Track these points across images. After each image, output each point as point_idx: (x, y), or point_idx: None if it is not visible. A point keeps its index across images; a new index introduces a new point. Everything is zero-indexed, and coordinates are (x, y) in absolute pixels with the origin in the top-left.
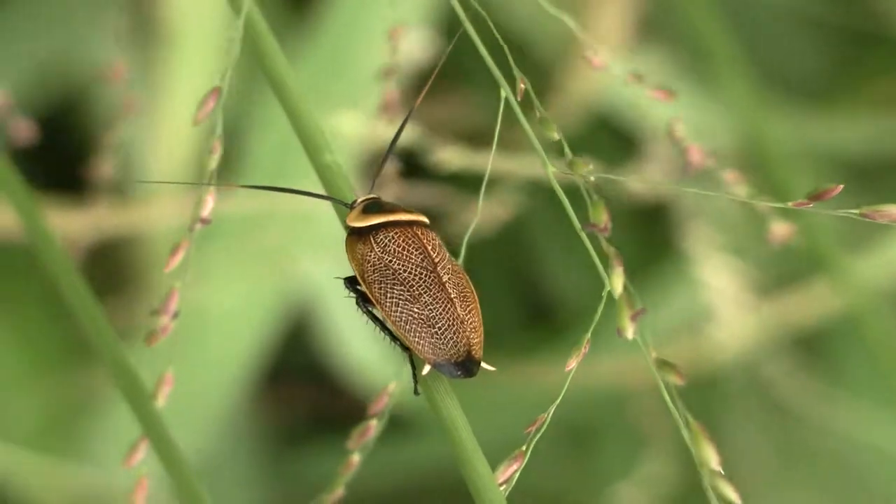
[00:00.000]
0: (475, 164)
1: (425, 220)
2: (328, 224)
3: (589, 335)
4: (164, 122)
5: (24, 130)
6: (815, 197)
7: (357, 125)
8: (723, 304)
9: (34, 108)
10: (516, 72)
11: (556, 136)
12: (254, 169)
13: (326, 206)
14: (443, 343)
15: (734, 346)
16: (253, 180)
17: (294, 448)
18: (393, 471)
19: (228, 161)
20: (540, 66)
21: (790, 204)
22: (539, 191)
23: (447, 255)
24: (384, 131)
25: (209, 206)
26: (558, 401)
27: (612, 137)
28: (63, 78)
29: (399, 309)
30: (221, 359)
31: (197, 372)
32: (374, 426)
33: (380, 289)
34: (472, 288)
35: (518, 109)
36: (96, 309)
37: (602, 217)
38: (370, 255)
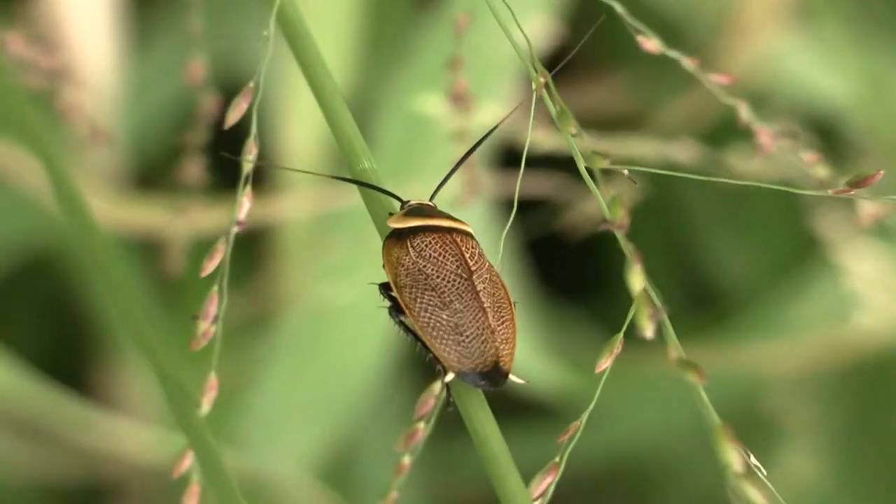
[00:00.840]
0: (610, 151)
1: (468, 228)
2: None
3: (621, 335)
4: (296, 115)
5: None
6: (857, 184)
7: (488, 118)
8: (869, 290)
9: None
10: (538, 65)
11: (573, 130)
12: (380, 157)
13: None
14: (469, 352)
15: (885, 333)
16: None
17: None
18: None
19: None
20: (694, 45)
21: (830, 192)
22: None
23: (487, 264)
24: (519, 124)
25: (245, 208)
26: (594, 401)
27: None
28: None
29: (427, 314)
30: (349, 352)
31: (328, 366)
32: (422, 429)
33: (410, 294)
34: (510, 300)
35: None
36: (143, 314)
37: (619, 214)
38: (405, 259)
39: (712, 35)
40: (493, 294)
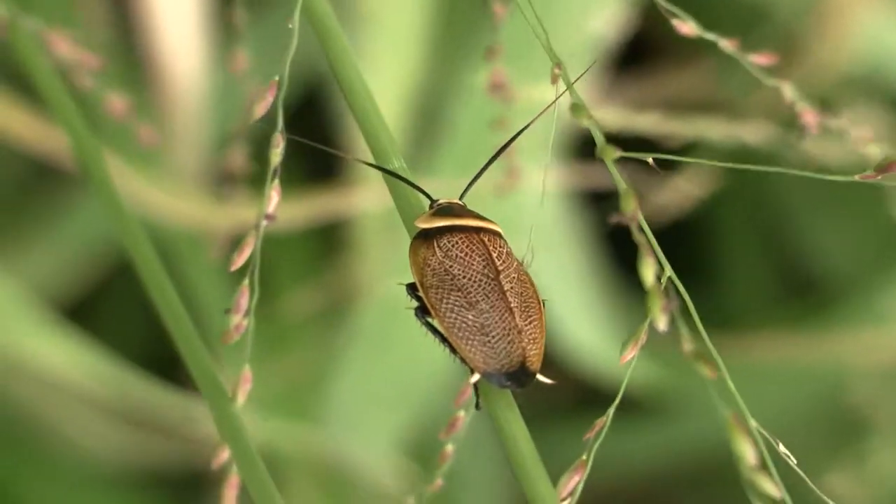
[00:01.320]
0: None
1: (496, 227)
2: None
3: (647, 325)
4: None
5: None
6: (883, 169)
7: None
8: None
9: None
10: (551, 55)
11: (584, 121)
12: (452, 148)
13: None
14: (495, 352)
15: None
16: (449, 164)
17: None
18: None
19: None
20: (782, 29)
21: (856, 177)
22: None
23: (515, 264)
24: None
25: (273, 202)
26: (621, 392)
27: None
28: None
29: (453, 315)
30: (424, 342)
31: (404, 356)
32: (462, 418)
33: (436, 294)
34: (539, 299)
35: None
36: (180, 308)
37: (630, 206)
38: (432, 259)
39: (802, 16)
40: (521, 294)
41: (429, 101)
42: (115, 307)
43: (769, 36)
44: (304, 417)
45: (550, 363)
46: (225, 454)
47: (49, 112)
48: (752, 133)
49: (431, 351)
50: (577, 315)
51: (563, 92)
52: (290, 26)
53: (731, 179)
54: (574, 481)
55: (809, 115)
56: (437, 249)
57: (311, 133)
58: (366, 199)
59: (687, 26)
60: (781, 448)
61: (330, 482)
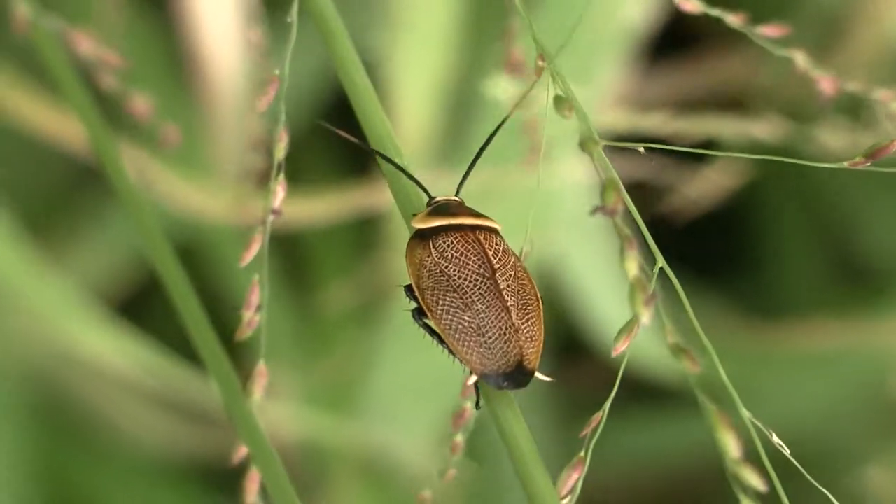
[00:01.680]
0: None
1: (493, 224)
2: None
3: (641, 319)
4: (402, 102)
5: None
6: (871, 155)
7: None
8: None
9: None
10: (537, 46)
11: (567, 114)
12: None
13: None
14: (491, 353)
15: None
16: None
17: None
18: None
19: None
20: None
21: (846, 164)
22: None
23: (513, 261)
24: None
25: (279, 196)
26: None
27: None
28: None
29: (449, 317)
30: None
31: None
32: (469, 409)
33: (432, 296)
34: (538, 296)
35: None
36: (195, 304)
37: (612, 199)
38: (427, 261)
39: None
40: (518, 291)
41: (459, 101)
42: (164, 302)
43: (811, 20)
44: (346, 411)
45: (588, 354)
46: (243, 450)
47: (71, 111)
48: (787, 122)
49: None
50: (613, 307)
51: (527, 89)
52: (290, 20)
53: (780, 167)
54: (573, 479)
55: (826, 83)
56: (432, 250)
57: (349, 128)
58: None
59: (690, 3)
60: (775, 438)
61: (371, 474)
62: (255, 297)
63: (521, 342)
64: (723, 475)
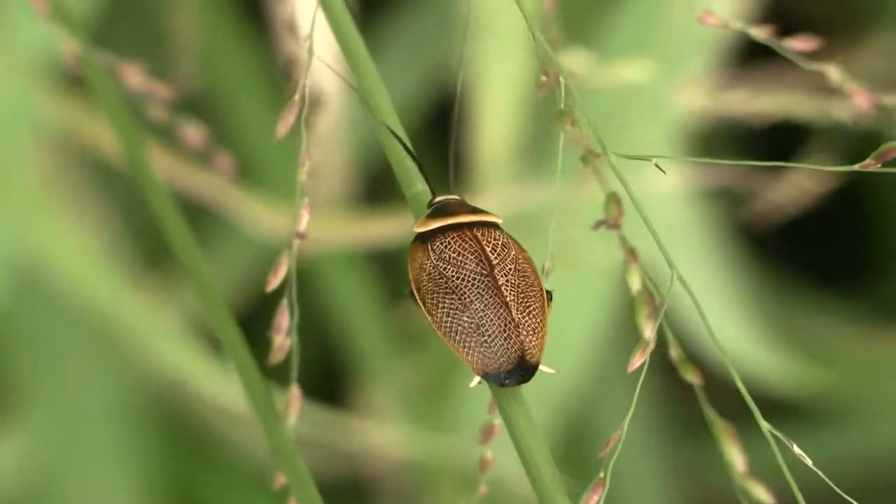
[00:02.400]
0: None
1: (490, 218)
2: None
3: (650, 334)
4: (487, 119)
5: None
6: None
7: (694, 96)
8: None
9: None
10: (537, 33)
11: (567, 129)
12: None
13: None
14: (491, 352)
15: None
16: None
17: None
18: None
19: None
20: None
21: (857, 166)
22: None
23: (512, 254)
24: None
25: (304, 220)
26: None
27: None
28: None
29: (449, 319)
30: (563, 337)
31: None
32: (498, 425)
33: (432, 299)
34: (542, 287)
35: None
36: (235, 331)
37: (613, 212)
38: (427, 264)
39: None
40: (518, 285)
41: (545, 111)
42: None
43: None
44: (443, 426)
45: (701, 368)
46: (282, 478)
47: (119, 142)
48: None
49: (566, 354)
50: (722, 317)
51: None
52: (306, 43)
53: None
54: (593, 501)
55: (860, 96)
56: (431, 253)
57: (442, 145)
58: (487, 206)
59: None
60: (796, 449)
61: (473, 489)
62: (285, 320)
63: (521, 336)
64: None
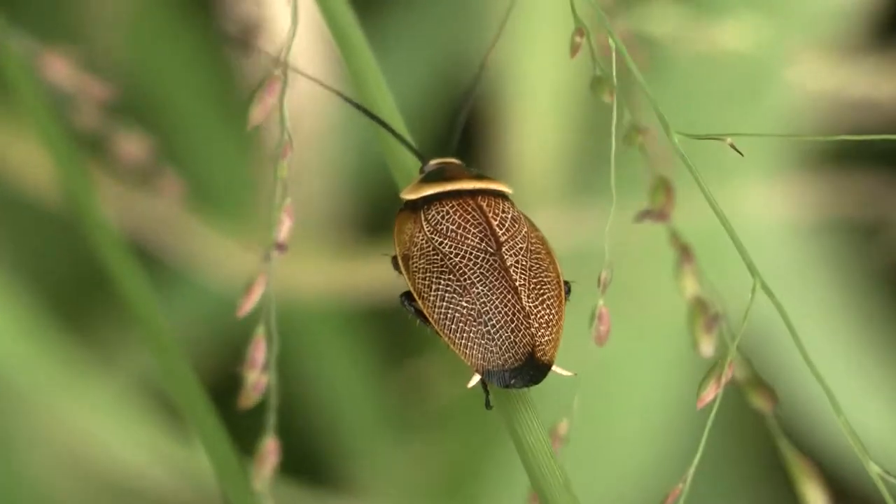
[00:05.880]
0: None
1: (498, 187)
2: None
3: (729, 359)
4: (527, 125)
5: None
6: None
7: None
8: None
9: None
10: (575, 18)
11: (605, 98)
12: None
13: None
14: (495, 344)
15: None
16: None
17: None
18: None
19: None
20: None
21: None
22: None
23: (524, 231)
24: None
25: (286, 227)
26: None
27: None
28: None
29: (444, 303)
30: (628, 408)
31: (607, 424)
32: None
33: (424, 279)
34: (559, 272)
35: None
36: (199, 393)
37: (660, 201)
38: (418, 237)
39: None
40: (531, 268)
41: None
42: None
43: None
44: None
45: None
46: None
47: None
48: None
49: (636, 404)
50: (833, 368)
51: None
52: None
53: None
54: None
55: None
56: (424, 224)
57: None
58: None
59: None
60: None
61: None
62: (260, 353)
63: (532, 329)
64: None
